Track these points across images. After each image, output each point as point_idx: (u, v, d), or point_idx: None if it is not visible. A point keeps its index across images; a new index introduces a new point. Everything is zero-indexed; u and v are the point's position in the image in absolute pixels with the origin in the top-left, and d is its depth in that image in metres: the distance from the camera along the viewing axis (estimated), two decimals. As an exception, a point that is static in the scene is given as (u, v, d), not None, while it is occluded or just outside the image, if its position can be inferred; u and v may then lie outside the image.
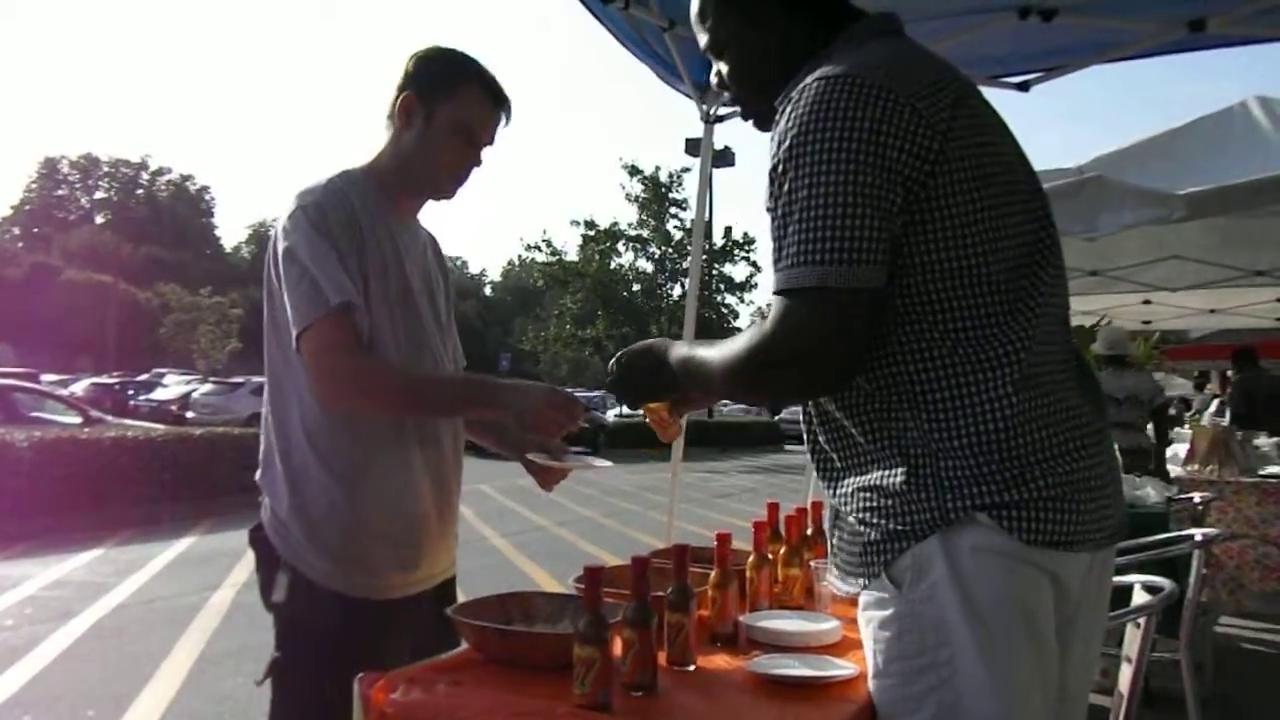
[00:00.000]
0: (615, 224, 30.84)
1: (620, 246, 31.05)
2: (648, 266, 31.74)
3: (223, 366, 40.71)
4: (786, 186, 1.23)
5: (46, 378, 23.41)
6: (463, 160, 1.84)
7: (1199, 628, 3.93)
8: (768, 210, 1.28)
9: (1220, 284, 7.24)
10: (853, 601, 1.36)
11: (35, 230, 67.38)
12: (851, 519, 1.32)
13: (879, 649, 1.28)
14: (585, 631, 1.26)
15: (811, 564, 1.90)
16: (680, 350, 1.47)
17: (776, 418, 31.22)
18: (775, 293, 1.22)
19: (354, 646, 1.66)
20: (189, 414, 21.55)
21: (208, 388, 24.89)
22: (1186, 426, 8.04)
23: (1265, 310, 8.35)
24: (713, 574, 1.63)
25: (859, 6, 1.44)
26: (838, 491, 1.36)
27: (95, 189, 74.59)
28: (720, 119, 4.27)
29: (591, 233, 30.36)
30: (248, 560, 1.85)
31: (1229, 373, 9.99)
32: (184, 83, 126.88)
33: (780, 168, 1.24)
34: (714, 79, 1.55)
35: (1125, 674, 2.13)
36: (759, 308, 31.56)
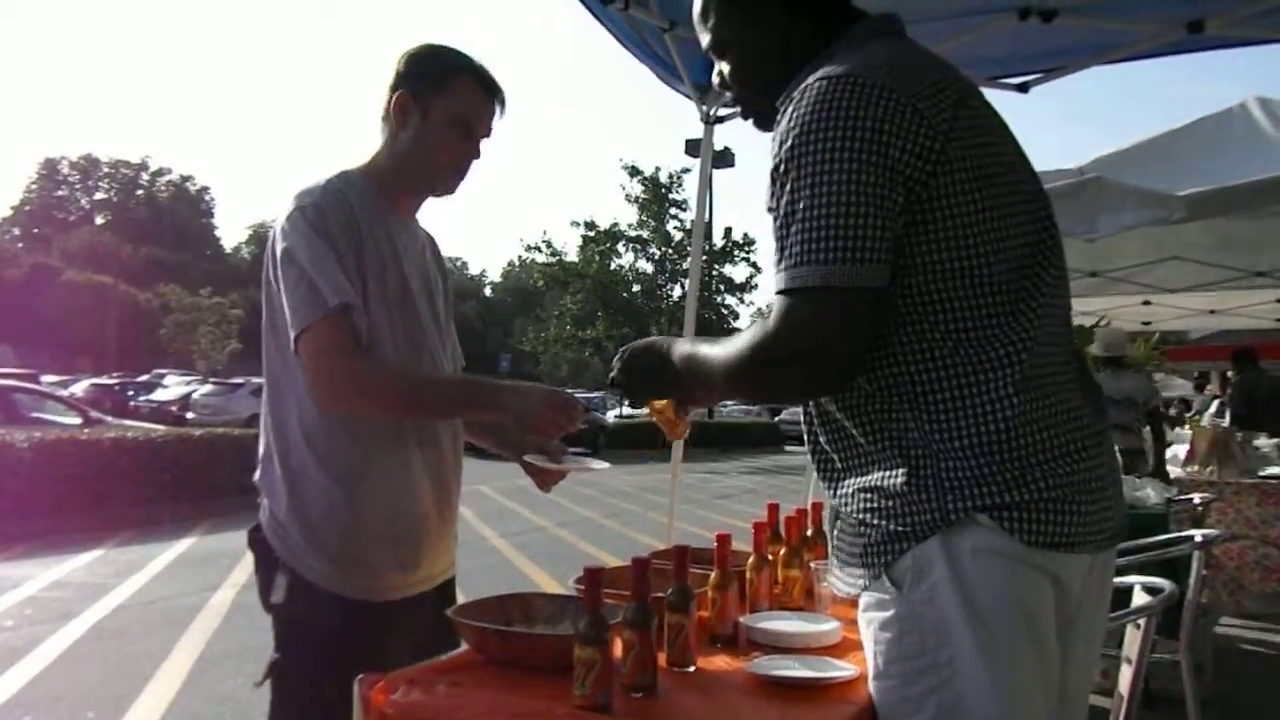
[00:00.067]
0: (615, 225, 30.87)
1: (620, 247, 31.02)
2: (648, 267, 31.76)
3: (222, 367, 40.74)
4: (789, 186, 1.22)
5: (46, 378, 23.36)
6: (461, 154, 1.84)
7: (1199, 629, 3.92)
8: (769, 210, 1.27)
9: (1220, 285, 7.23)
10: (853, 603, 1.35)
11: (35, 231, 67.40)
12: (852, 520, 1.32)
13: (879, 650, 1.28)
14: (585, 633, 1.26)
15: (811, 565, 1.89)
16: (683, 348, 1.47)
17: (777, 419, 31.21)
18: (778, 292, 1.22)
19: (353, 648, 1.65)
20: (189, 415, 21.59)
21: (208, 388, 24.94)
22: (1186, 427, 8.04)
23: (1265, 311, 8.35)
24: (713, 575, 1.63)
25: (860, 7, 1.44)
26: (838, 492, 1.36)
27: (95, 190, 74.65)
28: (720, 120, 4.26)
29: (591, 233, 30.33)
30: (247, 561, 1.84)
31: (1229, 374, 9.99)
32: (184, 83, 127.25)
33: (782, 167, 1.24)
34: (715, 79, 1.55)
35: (1125, 675, 2.13)
36: (759, 308, 31.55)
